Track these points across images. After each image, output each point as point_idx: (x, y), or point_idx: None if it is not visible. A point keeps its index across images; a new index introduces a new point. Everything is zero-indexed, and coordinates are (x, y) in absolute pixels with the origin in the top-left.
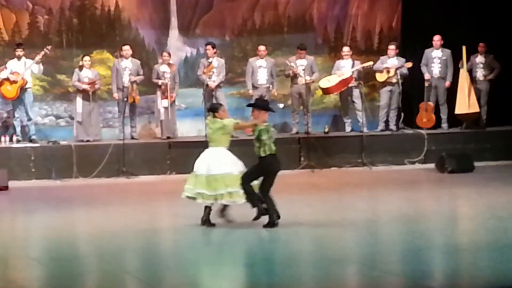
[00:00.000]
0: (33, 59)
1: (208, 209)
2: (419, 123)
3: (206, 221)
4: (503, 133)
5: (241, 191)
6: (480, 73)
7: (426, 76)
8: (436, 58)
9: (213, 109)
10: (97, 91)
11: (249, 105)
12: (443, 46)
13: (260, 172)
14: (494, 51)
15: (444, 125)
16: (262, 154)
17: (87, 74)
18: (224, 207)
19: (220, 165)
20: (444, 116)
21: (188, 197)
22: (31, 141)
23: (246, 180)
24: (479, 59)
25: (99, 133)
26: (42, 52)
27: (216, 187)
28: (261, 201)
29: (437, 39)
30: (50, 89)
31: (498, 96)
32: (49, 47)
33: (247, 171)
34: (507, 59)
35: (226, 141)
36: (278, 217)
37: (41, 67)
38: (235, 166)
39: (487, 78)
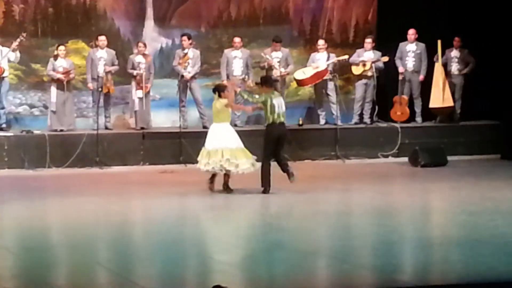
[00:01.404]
0: (8, 47)
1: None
2: (393, 116)
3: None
4: (477, 128)
5: (241, 162)
6: (455, 68)
7: (400, 69)
8: (410, 52)
9: (218, 90)
10: (71, 81)
11: (257, 83)
12: (418, 40)
13: (264, 142)
14: (469, 45)
15: (418, 118)
16: (266, 124)
17: (61, 63)
18: (213, 177)
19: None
20: (418, 109)
21: (207, 170)
22: (1, 129)
23: (263, 155)
24: (454, 53)
25: (73, 123)
26: (18, 40)
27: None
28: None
29: (411, 32)
30: (25, 78)
31: (473, 91)
32: (24, 34)
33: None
34: (482, 54)
35: (228, 117)
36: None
37: (18, 54)
38: (236, 141)
39: (462, 72)
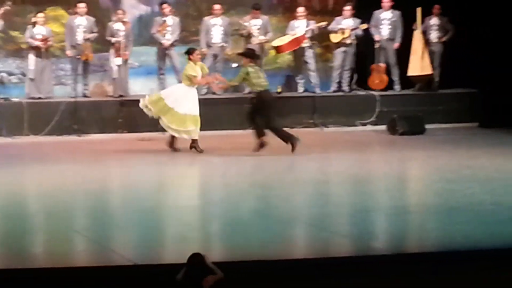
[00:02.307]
0: None
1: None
2: (371, 84)
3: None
4: (455, 96)
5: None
6: (434, 35)
7: (376, 37)
8: (385, 20)
9: (188, 52)
10: (50, 48)
11: (239, 54)
12: (397, 7)
13: (265, 109)
14: (449, 13)
15: (396, 86)
16: (257, 92)
17: (40, 31)
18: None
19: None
20: (395, 77)
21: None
22: None
23: (269, 121)
24: (434, 21)
25: (51, 91)
26: (2, 9)
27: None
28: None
29: (386, 0)
30: (3, 46)
31: (451, 59)
32: (9, 3)
33: None
34: (461, 21)
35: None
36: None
37: (1, 22)
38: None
39: (441, 40)
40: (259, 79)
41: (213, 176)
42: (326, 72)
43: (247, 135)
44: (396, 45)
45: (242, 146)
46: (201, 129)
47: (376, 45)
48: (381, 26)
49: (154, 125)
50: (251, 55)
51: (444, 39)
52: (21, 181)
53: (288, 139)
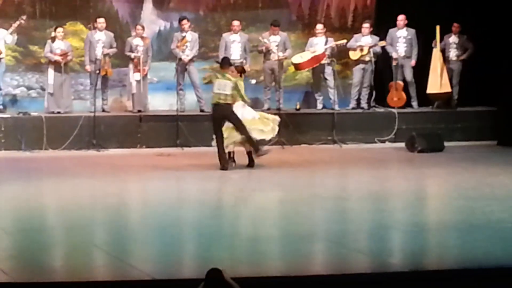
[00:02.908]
0: (6, 29)
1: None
2: (389, 102)
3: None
4: (474, 113)
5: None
6: (453, 53)
7: (394, 55)
8: (401, 38)
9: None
10: (69, 63)
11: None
12: (415, 25)
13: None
14: (468, 31)
15: (414, 103)
16: None
17: (59, 45)
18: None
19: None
20: (413, 94)
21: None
22: None
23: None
24: (453, 39)
25: (70, 105)
26: (17, 22)
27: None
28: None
29: (400, 18)
30: (22, 60)
31: (470, 77)
32: (24, 17)
33: None
34: (479, 39)
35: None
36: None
37: (15, 37)
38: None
39: (460, 58)
40: (213, 94)
41: (232, 192)
42: (344, 89)
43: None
44: (412, 62)
45: (261, 162)
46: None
47: (394, 63)
48: (397, 44)
49: (172, 140)
50: (222, 62)
51: (463, 57)
52: (40, 195)
53: (220, 160)
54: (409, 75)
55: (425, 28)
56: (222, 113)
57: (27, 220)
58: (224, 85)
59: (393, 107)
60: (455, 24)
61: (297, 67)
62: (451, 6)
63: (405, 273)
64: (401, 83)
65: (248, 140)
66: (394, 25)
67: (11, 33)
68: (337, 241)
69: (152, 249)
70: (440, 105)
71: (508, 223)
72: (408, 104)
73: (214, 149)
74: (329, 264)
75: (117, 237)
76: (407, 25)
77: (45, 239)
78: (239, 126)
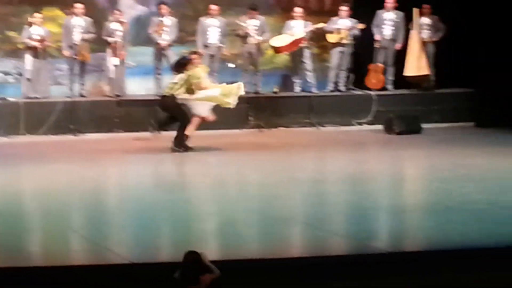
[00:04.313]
0: None
1: None
2: (368, 84)
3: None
4: (452, 95)
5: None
6: (425, 35)
7: (377, 37)
8: (388, 20)
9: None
10: (47, 49)
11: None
12: (397, 8)
13: None
14: (444, 12)
15: (389, 86)
16: None
17: (37, 31)
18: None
19: None
20: (390, 77)
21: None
22: None
23: None
24: (424, 20)
25: (48, 91)
26: None
27: None
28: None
29: (390, 1)
30: (0, 46)
31: (448, 58)
32: None
33: None
34: (458, 20)
35: None
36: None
37: None
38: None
39: (433, 39)
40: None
41: (209, 175)
42: (323, 72)
43: (243, 135)
44: (398, 46)
45: (239, 145)
46: (198, 129)
47: (377, 45)
48: (383, 26)
49: (150, 124)
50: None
51: (435, 38)
52: (17, 180)
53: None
54: (391, 58)
55: (404, 10)
56: (165, 104)
57: (3, 205)
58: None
59: (371, 89)
60: (426, 6)
61: (276, 50)
62: None
63: (382, 255)
64: (381, 65)
65: (178, 131)
66: (374, 7)
67: None
68: (314, 224)
69: (130, 233)
70: (417, 87)
71: (483, 204)
72: (384, 87)
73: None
74: (307, 247)
75: (94, 222)
76: (396, 8)
77: (22, 224)
78: (177, 117)
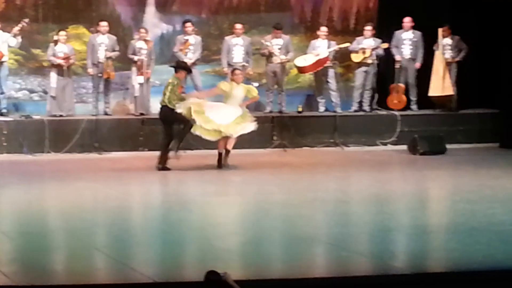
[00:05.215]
0: (9, 32)
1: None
2: (390, 104)
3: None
4: (476, 116)
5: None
6: (448, 55)
7: (397, 57)
8: (407, 40)
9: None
10: (71, 66)
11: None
12: (418, 27)
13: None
14: (467, 32)
15: (413, 106)
16: None
17: (62, 49)
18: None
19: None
20: (413, 98)
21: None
22: (1, 114)
23: None
24: (446, 41)
25: (73, 109)
26: (20, 25)
27: None
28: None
29: (407, 20)
30: (25, 63)
31: (472, 79)
32: (26, 20)
33: None
34: (480, 40)
35: None
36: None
37: (19, 40)
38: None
39: (455, 60)
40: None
41: (233, 194)
42: (347, 92)
43: (267, 154)
44: (417, 65)
45: (263, 165)
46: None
47: (397, 65)
48: (402, 46)
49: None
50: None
51: (458, 58)
52: (41, 198)
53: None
54: (412, 78)
55: (427, 31)
56: (162, 114)
57: (28, 224)
58: (165, 86)
59: (393, 110)
60: (445, 28)
61: (301, 70)
62: (453, 8)
63: (406, 276)
64: (402, 85)
65: (176, 140)
66: (397, 28)
67: (14, 36)
68: (338, 244)
69: (154, 252)
70: (441, 108)
71: (509, 225)
72: (408, 107)
73: (215, 151)
74: (331, 267)
75: (118, 240)
76: (413, 28)
77: (47, 242)
78: (179, 123)
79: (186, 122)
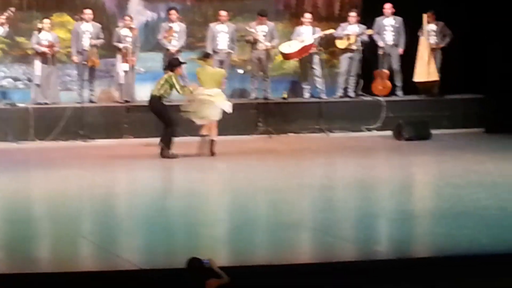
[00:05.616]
0: None
1: None
2: (374, 90)
3: None
4: (461, 101)
5: None
6: (432, 41)
7: (380, 44)
8: (388, 26)
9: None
10: (56, 54)
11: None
12: (399, 13)
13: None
14: (452, 18)
15: (399, 92)
16: None
17: (46, 37)
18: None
19: None
20: (398, 83)
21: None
22: None
23: None
24: (431, 26)
25: (58, 96)
26: (6, 14)
27: None
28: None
29: (388, 7)
30: (9, 51)
31: (455, 64)
32: (12, 9)
33: None
34: (465, 26)
35: None
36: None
37: (6, 28)
38: None
39: (440, 45)
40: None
41: (219, 181)
42: (332, 78)
43: (253, 141)
44: (400, 50)
45: (248, 151)
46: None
47: (380, 52)
48: (384, 33)
49: (160, 130)
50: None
51: (442, 44)
52: (26, 186)
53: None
54: (396, 64)
55: (411, 17)
56: (151, 106)
57: (14, 211)
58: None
59: (378, 95)
60: (429, 13)
61: (286, 56)
62: None
63: (391, 261)
64: (386, 71)
65: (165, 135)
66: (381, 14)
67: (1, 25)
68: (323, 230)
69: (139, 239)
70: (425, 93)
71: (494, 210)
72: (393, 92)
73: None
74: (316, 253)
75: (104, 228)
76: (394, 14)
77: (32, 230)
78: (162, 118)
79: (171, 122)
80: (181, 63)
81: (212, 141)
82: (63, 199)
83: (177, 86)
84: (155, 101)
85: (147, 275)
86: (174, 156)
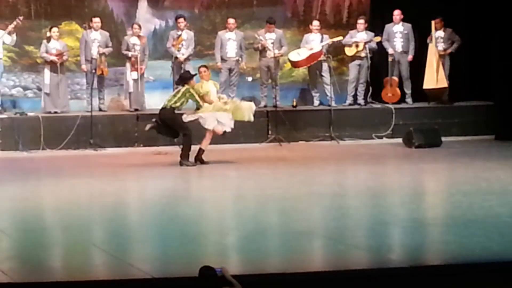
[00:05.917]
0: (3, 30)
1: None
2: (384, 98)
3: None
4: (471, 108)
5: None
6: (441, 48)
7: (390, 51)
8: (397, 33)
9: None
10: (65, 63)
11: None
12: (410, 20)
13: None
14: (461, 25)
15: (408, 100)
16: None
17: (55, 45)
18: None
19: None
20: (408, 91)
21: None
22: None
23: None
24: (439, 33)
25: (67, 105)
26: (14, 23)
27: None
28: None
29: (396, 13)
30: (18, 60)
31: (468, 71)
32: (21, 18)
33: None
34: (474, 33)
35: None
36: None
37: (14, 37)
38: None
39: (447, 51)
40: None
41: (230, 190)
42: (341, 86)
43: (263, 149)
44: (410, 57)
45: (258, 159)
46: (216, 143)
47: (390, 59)
48: (394, 40)
49: (170, 138)
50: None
51: (450, 50)
52: (37, 195)
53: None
54: (405, 71)
55: (419, 23)
56: (163, 116)
57: (25, 221)
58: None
59: (388, 103)
60: (437, 20)
61: (294, 64)
62: (444, 1)
63: (403, 269)
64: (396, 78)
65: (183, 146)
66: (389, 21)
67: (9, 34)
68: (335, 238)
69: (151, 247)
70: (434, 100)
71: (505, 217)
72: (402, 100)
73: (211, 147)
74: (328, 261)
75: (115, 236)
76: (403, 20)
77: (44, 239)
78: (177, 129)
79: (186, 130)
80: (192, 75)
81: (200, 149)
82: (74, 208)
83: (197, 98)
84: (168, 111)
85: (160, 283)
86: (192, 164)
